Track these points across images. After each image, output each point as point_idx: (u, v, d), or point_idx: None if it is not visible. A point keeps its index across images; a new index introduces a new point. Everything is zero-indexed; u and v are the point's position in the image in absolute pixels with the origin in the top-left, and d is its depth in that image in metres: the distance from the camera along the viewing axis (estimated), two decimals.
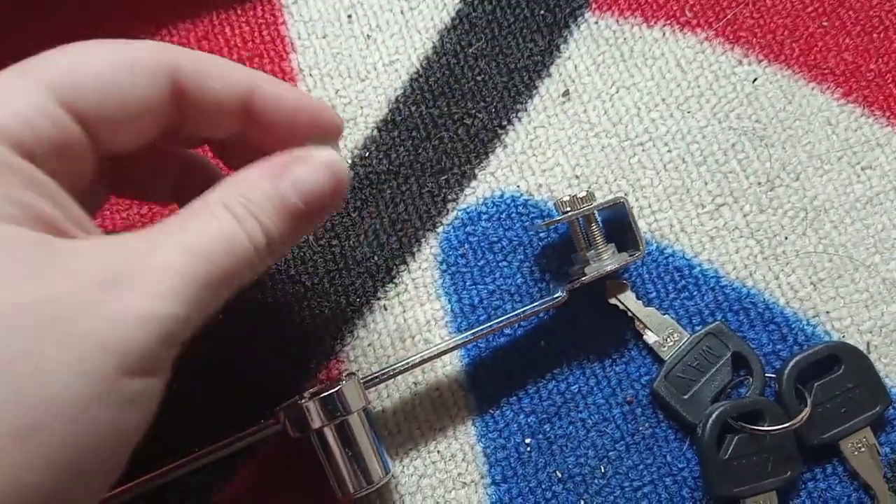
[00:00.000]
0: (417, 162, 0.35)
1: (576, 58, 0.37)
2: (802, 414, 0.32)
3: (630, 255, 0.32)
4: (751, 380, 0.33)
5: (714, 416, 0.32)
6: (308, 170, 0.23)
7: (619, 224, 0.33)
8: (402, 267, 0.34)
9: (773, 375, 0.33)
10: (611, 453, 0.33)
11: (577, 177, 0.35)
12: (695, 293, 0.34)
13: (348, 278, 0.34)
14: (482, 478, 0.33)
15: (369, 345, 0.34)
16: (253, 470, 0.32)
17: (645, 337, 0.33)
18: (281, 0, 0.37)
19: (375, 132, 0.36)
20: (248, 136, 0.26)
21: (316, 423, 0.29)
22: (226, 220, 0.21)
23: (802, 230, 0.35)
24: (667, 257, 0.35)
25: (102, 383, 0.18)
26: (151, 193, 0.30)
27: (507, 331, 0.34)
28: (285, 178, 0.23)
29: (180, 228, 0.21)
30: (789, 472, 0.31)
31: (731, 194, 0.35)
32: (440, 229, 0.35)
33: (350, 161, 0.35)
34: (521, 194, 0.35)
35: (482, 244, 0.35)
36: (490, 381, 0.33)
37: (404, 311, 0.34)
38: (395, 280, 0.34)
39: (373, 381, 0.31)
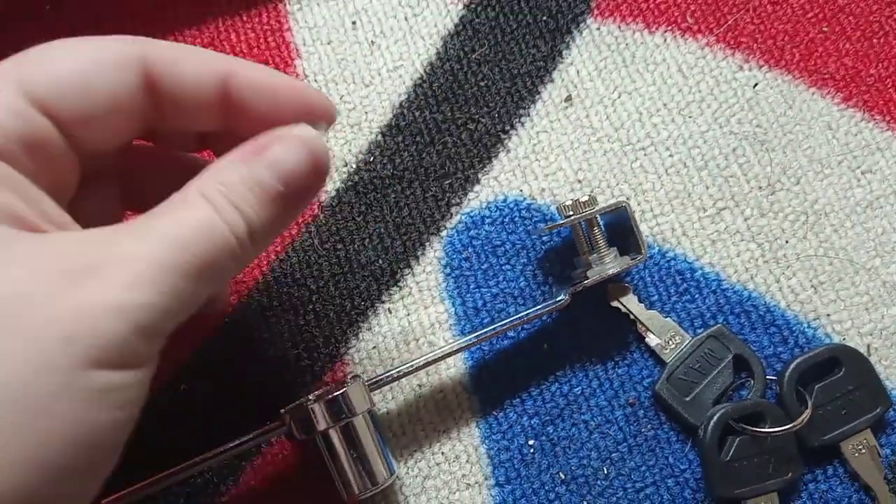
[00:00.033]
0: (421, 166, 0.36)
1: (578, 63, 0.37)
2: (803, 416, 0.32)
3: (632, 259, 0.33)
4: (752, 382, 0.33)
5: (716, 417, 0.32)
6: (284, 149, 0.22)
7: (621, 228, 0.34)
8: (407, 270, 0.35)
9: (774, 378, 0.33)
10: (613, 455, 0.33)
11: (579, 181, 0.36)
12: (696, 296, 0.34)
13: (353, 282, 0.34)
14: (486, 479, 0.33)
15: (374, 347, 0.34)
16: (258, 471, 0.33)
17: (647, 340, 0.34)
18: (286, 6, 0.37)
19: (380, 137, 0.36)
20: (237, 128, 0.25)
21: (321, 425, 0.29)
22: (203, 210, 0.21)
23: (803, 234, 0.35)
24: (668, 261, 0.35)
25: (65, 376, 0.17)
26: None
27: (511, 334, 0.34)
28: (262, 160, 0.22)
29: (156, 219, 0.20)
30: (790, 474, 0.32)
31: (732, 198, 0.35)
32: (444, 233, 0.35)
33: (355, 166, 0.36)
34: (524, 198, 0.36)
35: (486, 248, 0.35)
36: (494, 384, 0.34)
37: (408, 315, 0.34)
38: (400, 283, 0.35)
39: (377, 383, 0.31)
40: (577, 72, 0.37)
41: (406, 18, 0.37)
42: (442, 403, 0.33)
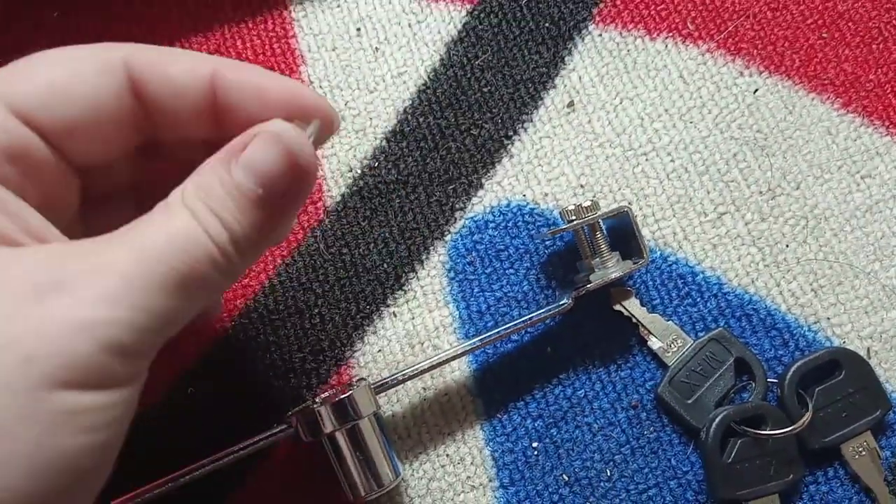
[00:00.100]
0: (425, 172, 0.36)
1: (580, 69, 0.37)
2: (804, 418, 0.32)
3: (634, 263, 0.33)
4: (753, 385, 0.33)
5: (717, 420, 0.32)
6: (256, 147, 0.20)
7: (623, 232, 0.34)
8: (411, 274, 0.35)
9: (775, 380, 0.34)
10: (616, 457, 0.33)
11: (581, 186, 0.36)
12: (698, 300, 0.35)
13: (358, 286, 0.35)
14: (490, 481, 0.33)
15: (379, 351, 0.34)
16: (265, 474, 0.33)
17: (649, 343, 0.34)
18: (291, 14, 0.38)
19: (384, 143, 0.36)
20: (232, 132, 0.23)
21: (328, 428, 0.29)
22: (182, 218, 0.19)
23: (803, 238, 0.35)
24: (670, 265, 0.35)
25: (26, 397, 0.16)
26: None
27: (514, 337, 0.34)
28: (238, 162, 0.20)
29: (134, 230, 0.19)
30: (791, 476, 0.32)
31: (732, 203, 0.36)
32: (448, 237, 0.35)
33: (360, 171, 0.36)
34: (527, 203, 0.36)
35: (489, 252, 0.35)
36: (497, 387, 0.34)
37: (413, 318, 0.35)
38: (405, 287, 0.35)
39: (383, 386, 0.31)
40: (580, 78, 0.37)
41: (410, 25, 0.38)
42: (446, 406, 0.34)
